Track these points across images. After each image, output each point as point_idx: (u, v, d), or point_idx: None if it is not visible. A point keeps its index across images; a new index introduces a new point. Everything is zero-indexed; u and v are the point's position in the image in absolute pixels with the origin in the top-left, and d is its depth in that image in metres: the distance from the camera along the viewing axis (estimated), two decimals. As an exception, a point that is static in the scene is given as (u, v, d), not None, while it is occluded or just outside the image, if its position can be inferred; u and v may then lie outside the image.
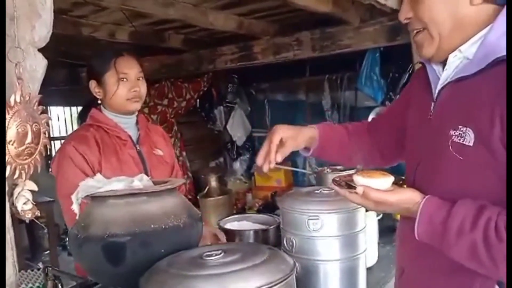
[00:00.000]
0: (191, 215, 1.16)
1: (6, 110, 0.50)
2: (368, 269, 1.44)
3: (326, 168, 2.33)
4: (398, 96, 2.70)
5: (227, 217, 1.94)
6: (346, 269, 1.27)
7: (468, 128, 0.87)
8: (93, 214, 1.08)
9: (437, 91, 0.99)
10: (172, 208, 1.12)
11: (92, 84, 1.63)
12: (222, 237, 1.62)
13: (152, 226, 1.05)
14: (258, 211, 3.69)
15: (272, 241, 1.59)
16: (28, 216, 0.53)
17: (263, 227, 1.72)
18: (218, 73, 4.44)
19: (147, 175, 1.31)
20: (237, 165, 4.97)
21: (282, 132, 1.22)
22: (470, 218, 0.83)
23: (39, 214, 0.58)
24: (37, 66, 0.58)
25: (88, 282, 1.20)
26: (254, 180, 4.61)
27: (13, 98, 0.51)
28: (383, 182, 0.94)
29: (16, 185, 0.50)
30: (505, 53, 0.84)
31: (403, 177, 1.11)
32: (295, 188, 3.38)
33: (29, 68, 0.57)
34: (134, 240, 1.03)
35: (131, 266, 1.04)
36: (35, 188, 0.53)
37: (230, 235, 1.69)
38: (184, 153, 4.79)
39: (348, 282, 1.28)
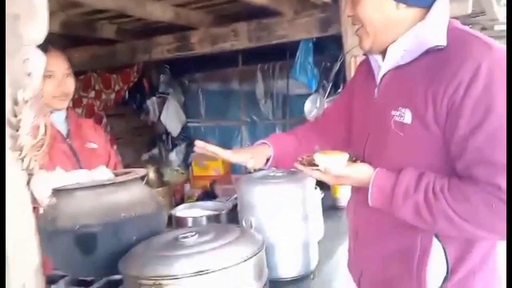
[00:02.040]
0: (158, 203, 1.20)
1: (22, 105, 0.53)
2: (317, 243, 1.58)
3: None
4: (331, 84, 2.90)
5: (173, 208, 1.99)
6: (301, 244, 1.39)
7: (406, 109, 1.02)
8: (60, 207, 1.08)
9: (379, 77, 1.14)
10: (139, 197, 1.15)
11: None
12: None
13: (123, 215, 1.08)
14: (198, 200, 3.73)
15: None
16: (46, 203, 0.56)
17: (216, 212, 1.79)
18: (149, 64, 4.37)
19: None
20: (173, 156, 4.94)
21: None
22: (413, 184, 0.99)
23: (54, 201, 0.61)
24: (39, 62, 0.61)
25: (53, 276, 1.20)
26: (192, 170, 4.63)
27: (27, 93, 0.54)
28: (340, 158, 1.08)
29: (31, 175, 0.53)
30: (433, 44, 1.00)
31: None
32: (237, 175, 3.47)
33: (32, 64, 0.60)
34: (105, 230, 1.05)
35: (103, 254, 1.06)
36: (48, 176, 0.56)
37: (184, 222, 1.74)
38: (115, 147, 4.66)
39: (304, 255, 1.40)
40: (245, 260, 0.92)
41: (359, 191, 1.16)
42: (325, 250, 1.64)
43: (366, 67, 1.23)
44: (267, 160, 1.37)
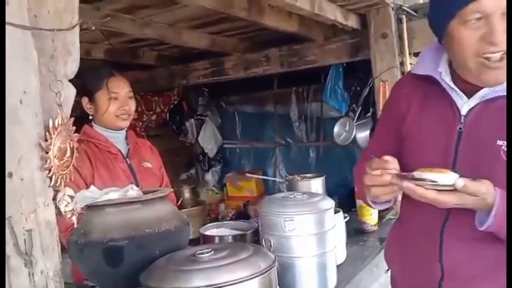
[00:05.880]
0: (180, 220, 1.28)
1: (52, 131, 0.63)
2: (338, 266, 1.60)
3: (296, 176, 2.48)
4: (360, 108, 2.92)
5: (205, 225, 2.07)
6: (318, 265, 1.43)
7: None
8: (92, 221, 1.18)
9: (467, 107, 1.11)
10: (163, 214, 1.24)
11: (84, 100, 1.74)
12: None
13: (147, 230, 1.17)
14: (231, 220, 3.78)
15: (250, 244, 1.72)
16: (69, 216, 0.65)
17: (241, 232, 1.85)
18: (189, 87, 4.56)
19: (138, 187, 1.42)
20: (209, 176, 5.07)
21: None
22: None
23: (77, 214, 0.70)
24: (70, 94, 0.71)
25: (84, 286, 1.30)
26: (226, 191, 4.73)
27: (56, 121, 0.64)
28: (453, 176, 0.95)
29: (58, 191, 0.63)
30: None
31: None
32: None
33: (64, 96, 0.70)
34: (131, 244, 1.14)
35: (129, 267, 1.15)
36: (73, 193, 0.65)
37: (211, 240, 1.81)
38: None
39: (320, 276, 1.44)
40: (255, 276, 0.98)
41: (454, 226, 1.10)
42: (346, 273, 1.66)
43: (438, 98, 1.15)
44: None
